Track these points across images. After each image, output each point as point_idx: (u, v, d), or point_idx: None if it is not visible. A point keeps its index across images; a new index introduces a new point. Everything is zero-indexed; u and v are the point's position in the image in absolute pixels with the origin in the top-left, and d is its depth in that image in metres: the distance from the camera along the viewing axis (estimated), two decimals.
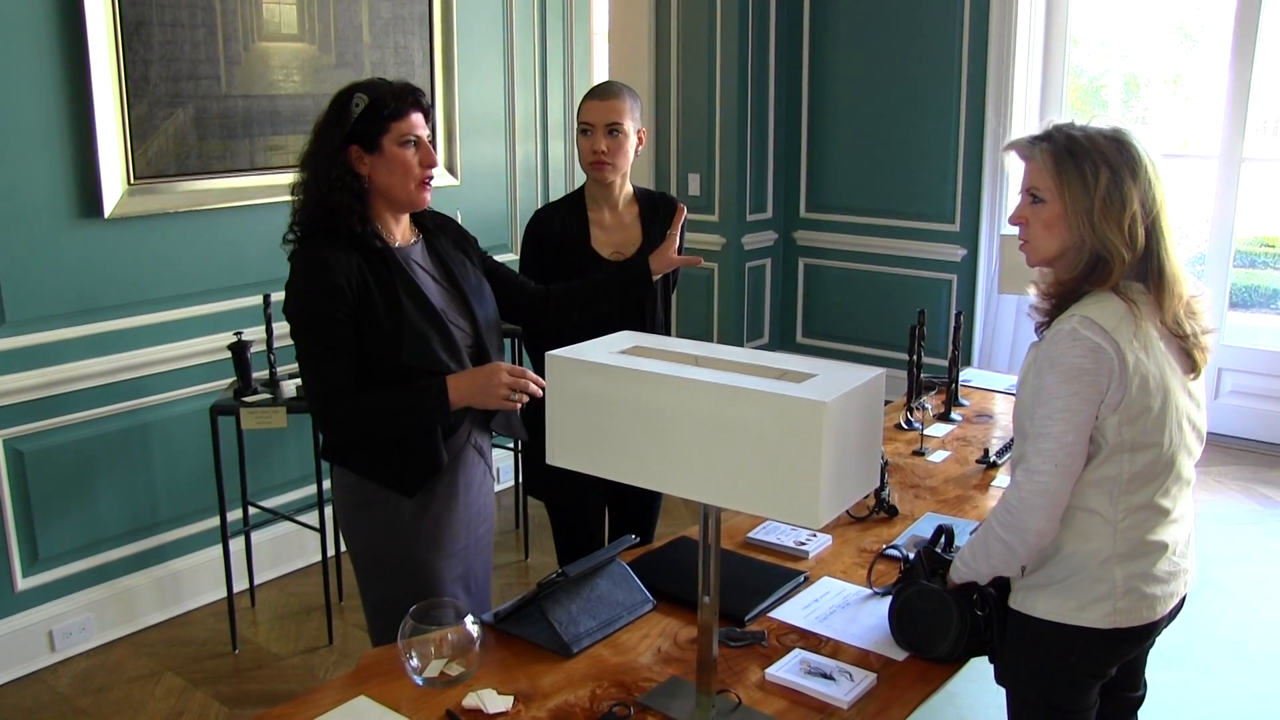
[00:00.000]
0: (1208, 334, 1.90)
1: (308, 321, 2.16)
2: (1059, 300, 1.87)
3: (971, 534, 2.01)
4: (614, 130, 2.68)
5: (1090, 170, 1.81)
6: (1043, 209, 1.87)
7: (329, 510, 3.27)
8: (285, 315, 2.23)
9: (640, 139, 2.76)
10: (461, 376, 2.19)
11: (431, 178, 2.26)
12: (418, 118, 2.22)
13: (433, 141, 2.27)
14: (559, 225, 2.77)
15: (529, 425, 2.90)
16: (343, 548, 3.90)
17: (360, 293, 2.16)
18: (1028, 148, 1.90)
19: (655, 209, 2.83)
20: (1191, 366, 1.89)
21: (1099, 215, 1.80)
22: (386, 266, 2.20)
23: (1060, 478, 1.80)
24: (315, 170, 2.20)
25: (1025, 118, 5.54)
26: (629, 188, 2.83)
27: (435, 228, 2.41)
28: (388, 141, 2.18)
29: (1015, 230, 1.97)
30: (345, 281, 2.13)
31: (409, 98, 2.21)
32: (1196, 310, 1.90)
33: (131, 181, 3.42)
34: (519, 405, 2.22)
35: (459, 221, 2.48)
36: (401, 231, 2.31)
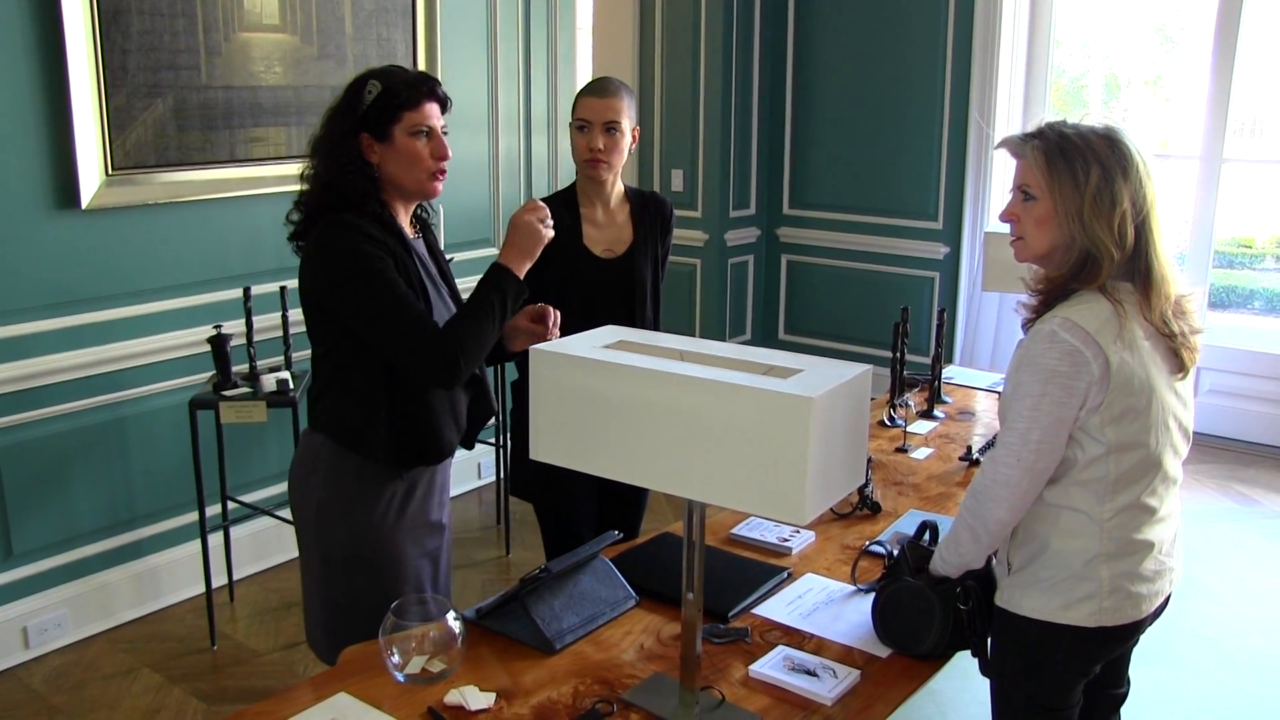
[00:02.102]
0: (1196, 334, 1.90)
1: (368, 280, 2.06)
2: (1047, 297, 1.88)
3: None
4: (611, 129, 2.65)
5: (1081, 168, 1.81)
6: (1034, 206, 1.87)
7: None
8: (324, 280, 2.11)
9: (634, 137, 2.74)
10: (505, 250, 2.21)
11: (444, 170, 2.21)
12: (432, 108, 2.17)
13: (447, 132, 2.23)
14: (551, 222, 2.74)
15: (516, 426, 2.89)
16: None
17: (398, 271, 2.12)
18: (1019, 145, 1.90)
19: (646, 207, 2.82)
20: (1179, 366, 1.89)
21: (1089, 213, 1.81)
22: (409, 255, 2.18)
23: (1022, 472, 1.81)
24: (325, 156, 2.16)
25: (1009, 117, 5.56)
26: (620, 186, 2.81)
27: (423, 225, 2.38)
28: (398, 131, 2.14)
29: (997, 228, 1.97)
30: (384, 249, 2.09)
31: (424, 87, 2.17)
32: (1187, 310, 1.90)
33: (109, 172, 3.39)
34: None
35: (440, 214, 2.46)
36: (407, 225, 2.27)
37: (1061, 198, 1.82)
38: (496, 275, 2.18)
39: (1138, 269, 1.84)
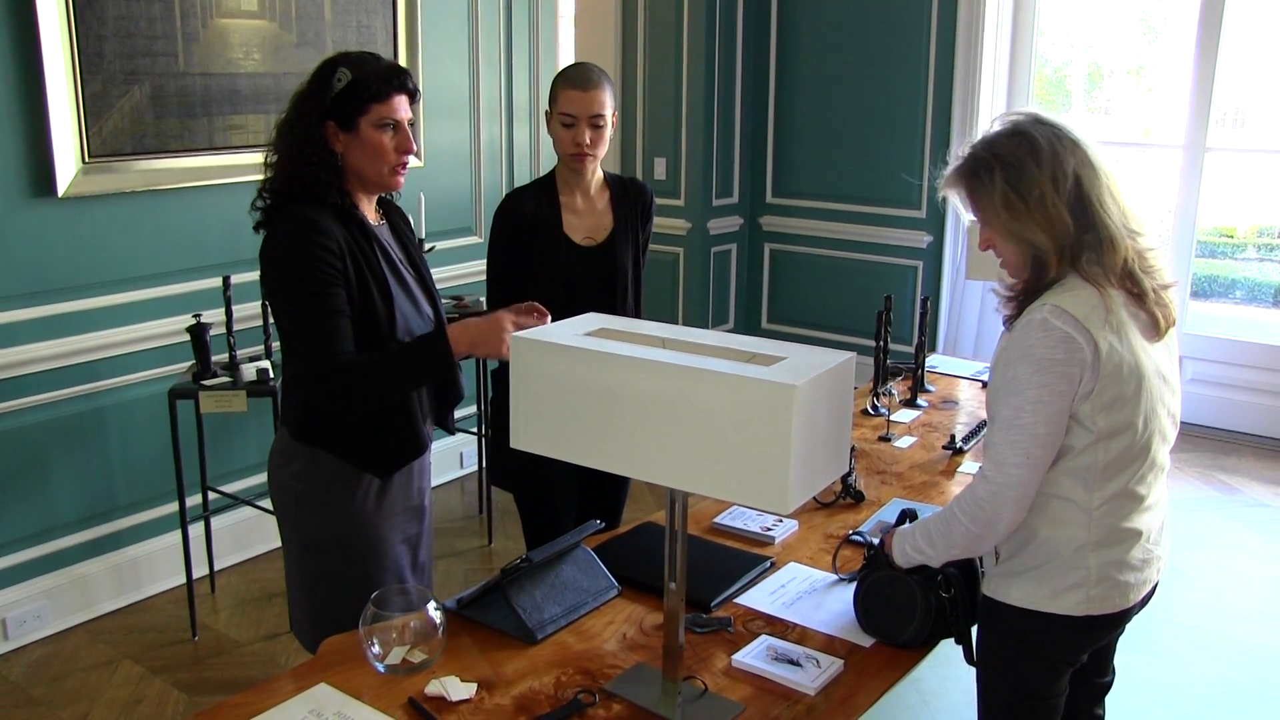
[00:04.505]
0: (1167, 288, 1.86)
1: (303, 284, 2.04)
2: (1021, 300, 1.86)
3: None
4: (597, 122, 2.63)
5: (987, 180, 1.80)
6: (986, 231, 1.87)
7: None
8: (270, 281, 2.11)
9: (614, 124, 2.72)
10: (464, 326, 2.12)
11: (407, 164, 2.19)
12: (401, 100, 2.14)
13: (414, 125, 2.20)
14: (531, 210, 2.69)
15: (495, 416, 2.87)
16: None
17: (351, 265, 2.08)
18: (945, 185, 1.89)
19: (626, 194, 2.80)
20: (1156, 328, 1.85)
21: (1009, 221, 1.79)
22: (369, 243, 2.15)
23: (1031, 469, 1.79)
24: (289, 142, 2.12)
25: (992, 106, 5.55)
26: (600, 172, 2.79)
27: (391, 210, 2.36)
28: (365, 123, 2.10)
29: None
30: (336, 247, 2.06)
31: (394, 79, 2.12)
32: (1152, 265, 1.85)
33: (86, 160, 3.35)
34: None
35: (422, 203, 2.43)
36: (370, 212, 2.24)
37: (989, 216, 1.82)
38: (437, 343, 2.11)
39: (1095, 240, 1.79)
